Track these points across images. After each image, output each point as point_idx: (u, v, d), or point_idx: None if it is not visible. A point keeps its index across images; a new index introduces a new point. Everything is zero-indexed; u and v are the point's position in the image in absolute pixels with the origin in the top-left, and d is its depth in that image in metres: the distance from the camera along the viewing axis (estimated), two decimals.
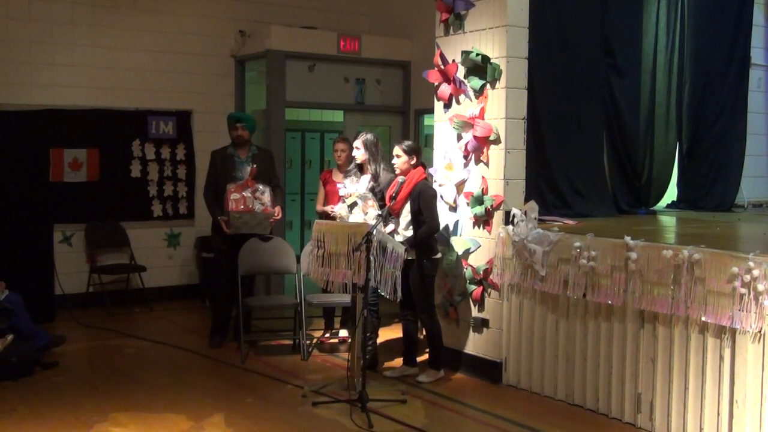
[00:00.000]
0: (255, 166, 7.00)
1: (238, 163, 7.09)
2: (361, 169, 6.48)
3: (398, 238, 5.98)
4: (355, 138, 6.50)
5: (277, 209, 7.04)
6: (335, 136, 9.36)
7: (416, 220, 5.97)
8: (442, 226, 6.17)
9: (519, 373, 6.00)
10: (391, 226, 6.03)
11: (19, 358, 6.07)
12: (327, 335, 7.32)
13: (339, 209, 6.26)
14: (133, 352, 6.96)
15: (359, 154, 6.38)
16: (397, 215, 6.08)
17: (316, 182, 7.67)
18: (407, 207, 6.03)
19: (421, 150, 6.21)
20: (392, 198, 6.01)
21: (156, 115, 8.98)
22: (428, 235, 5.99)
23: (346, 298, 6.43)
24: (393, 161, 6.08)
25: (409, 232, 6.03)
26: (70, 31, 8.51)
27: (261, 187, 6.97)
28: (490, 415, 5.43)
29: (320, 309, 7.25)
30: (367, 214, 6.07)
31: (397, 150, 6.06)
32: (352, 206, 6.16)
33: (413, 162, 6.04)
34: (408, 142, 6.18)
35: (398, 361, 6.43)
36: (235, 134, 7.13)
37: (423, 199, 5.95)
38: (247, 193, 6.89)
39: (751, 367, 4.57)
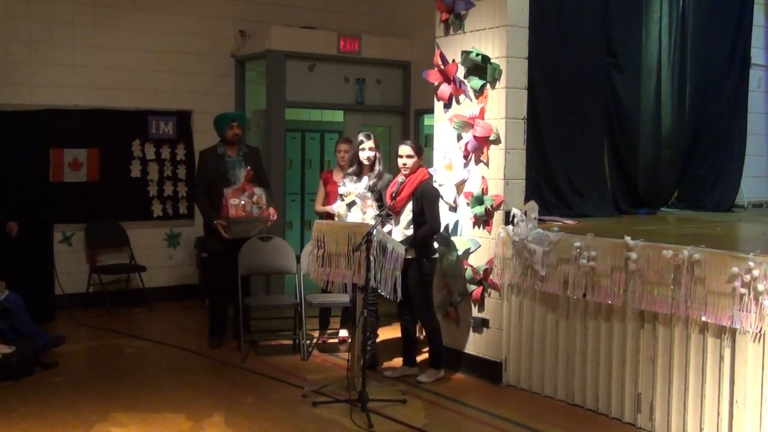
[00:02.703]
0: (250, 168, 6.98)
1: (230, 162, 7.07)
2: (361, 169, 6.40)
3: (397, 237, 5.97)
4: (360, 141, 6.30)
5: (272, 211, 7.04)
6: (335, 136, 9.36)
7: (418, 220, 5.97)
8: (442, 226, 6.17)
9: (519, 373, 6.00)
10: (388, 227, 6.01)
11: (19, 358, 6.07)
12: (325, 336, 7.31)
13: (338, 207, 6.24)
14: (133, 352, 6.96)
15: (372, 154, 6.27)
16: (398, 214, 6.08)
17: (316, 182, 7.66)
18: (408, 206, 6.03)
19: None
20: (392, 197, 5.99)
21: (156, 115, 8.98)
22: (429, 236, 5.99)
23: (346, 298, 6.43)
24: (403, 161, 5.99)
25: (409, 231, 6.03)
26: (70, 31, 8.51)
27: (257, 190, 6.96)
28: (490, 415, 5.43)
29: (317, 309, 7.22)
30: (365, 213, 6.05)
31: (408, 150, 6.00)
32: (350, 205, 6.13)
33: (421, 162, 6.04)
34: (414, 142, 6.16)
35: (398, 361, 6.43)
36: (231, 133, 7.12)
37: (426, 200, 5.94)
38: (245, 198, 6.88)
39: (751, 367, 4.56)
